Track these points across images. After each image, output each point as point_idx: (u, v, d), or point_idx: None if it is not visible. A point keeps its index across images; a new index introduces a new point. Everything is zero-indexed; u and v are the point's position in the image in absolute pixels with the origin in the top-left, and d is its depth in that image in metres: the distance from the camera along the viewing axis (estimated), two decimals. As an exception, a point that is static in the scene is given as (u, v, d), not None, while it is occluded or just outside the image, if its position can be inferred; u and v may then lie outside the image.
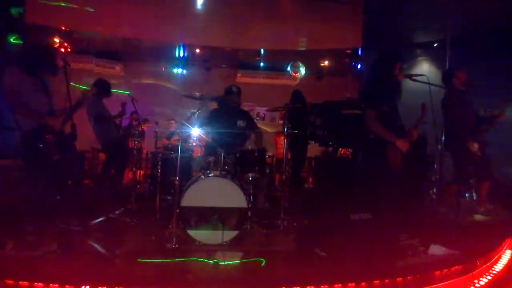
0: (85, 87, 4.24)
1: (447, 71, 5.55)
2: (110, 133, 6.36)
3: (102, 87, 6.18)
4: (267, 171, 5.26)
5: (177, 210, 4.09)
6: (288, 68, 10.13)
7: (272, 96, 8.54)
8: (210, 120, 5.63)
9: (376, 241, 3.76)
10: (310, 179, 7.58)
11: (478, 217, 5.47)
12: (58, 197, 4.03)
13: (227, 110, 5.70)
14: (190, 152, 5.51)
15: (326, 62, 10.71)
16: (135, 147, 5.51)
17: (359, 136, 4.89)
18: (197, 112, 5.04)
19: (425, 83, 4.50)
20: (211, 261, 3.55)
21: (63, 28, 8.46)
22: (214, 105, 6.10)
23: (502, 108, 5.49)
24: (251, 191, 4.86)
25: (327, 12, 8.62)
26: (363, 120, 4.42)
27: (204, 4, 8.66)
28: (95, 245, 3.83)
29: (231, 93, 5.67)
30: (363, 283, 3.21)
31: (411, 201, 4.79)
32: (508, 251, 4.43)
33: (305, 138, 6.58)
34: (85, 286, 2.99)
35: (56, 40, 8.54)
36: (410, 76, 4.59)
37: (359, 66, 9.92)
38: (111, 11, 8.31)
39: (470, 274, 3.70)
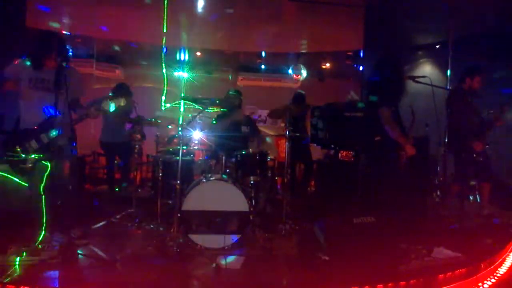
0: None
1: (471, 68, 5.51)
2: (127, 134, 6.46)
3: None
4: (269, 174, 5.24)
5: (178, 214, 4.07)
6: (290, 71, 10.12)
7: (274, 99, 8.54)
8: (213, 124, 5.63)
9: (379, 245, 3.72)
10: (312, 182, 7.55)
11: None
12: (59, 202, 3.99)
13: (230, 115, 5.70)
14: (191, 155, 5.49)
15: (328, 65, 10.70)
16: (136, 150, 5.50)
17: (362, 139, 4.88)
18: (198, 116, 5.02)
19: (428, 84, 4.49)
20: (212, 265, 3.53)
21: (63, 32, 8.46)
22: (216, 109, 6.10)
23: (502, 112, 5.45)
24: (253, 194, 4.83)
25: (328, 15, 8.60)
26: (365, 122, 4.41)
27: (204, 7, 8.65)
28: (96, 250, 3.81)
29: (232, 97, 5.69)
30: (366, 287, 3.18)
31: (414, 204, 4.76)
32: (512, 254, 4.40)
33: (307, 141, 6.56)
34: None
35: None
36: (413, 78, 4.59)
37: (360, 68, 9.89)
38: (111, 15, 8.30)
39: (474, 277, 3.67)
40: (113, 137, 6.38)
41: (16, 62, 3.93)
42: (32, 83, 3.86)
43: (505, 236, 4.59)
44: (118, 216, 5.01)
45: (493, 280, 3.75)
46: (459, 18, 6.70)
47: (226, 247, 4.02)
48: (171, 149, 5.36)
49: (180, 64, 10.15)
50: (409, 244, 4.02)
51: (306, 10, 8.68)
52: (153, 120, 5.94)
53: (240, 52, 10.04)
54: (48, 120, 3.81)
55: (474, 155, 5.24)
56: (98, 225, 4.67)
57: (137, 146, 5.47)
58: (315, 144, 6.29)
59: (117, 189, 6.73)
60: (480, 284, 3.64)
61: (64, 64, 3.83)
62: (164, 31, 8.09)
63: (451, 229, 4.75)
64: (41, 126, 3.80)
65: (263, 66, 10.70)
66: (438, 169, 6.88)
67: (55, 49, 3.86)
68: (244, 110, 6.38)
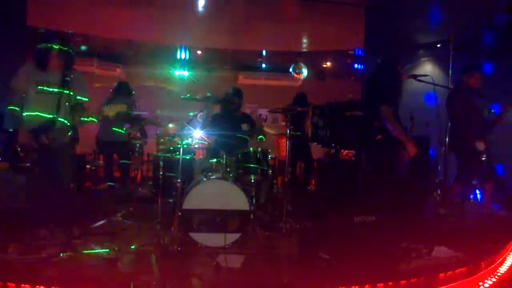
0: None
1: (468, 68, 5.48)
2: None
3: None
4: (270, 173, 5.24)
5: (179, 213, 4.07)
6: (290, 70, 10.10)
7: (274, 98, 8.52)
8: (213, 123, 5.62)
9: (380, 244, 3.72)
10: (313, 181, 7.55)
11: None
12: (59, 201, 3.99)
13: (230, 113, 5.70)
14: (192, 154, 5.48)
15: (328, 64, 10.69)
16: (137, 149, 5.50)
17: (362, 138, 4.87)
18: (198, 114, 5.02)
19: (430, 83, 4.50)
20: (213, 264, 3.53)
21: (64, 30, 8.44)
22: (216, 107, 6.09)
23: (502, 112, 5.45)
24: (253, 193, 4.83)
25: (329, 13, 8.60)
26: (366, 122, 4.41)
27: (205, 6, 8.64)
28: (97, 248, 3.80)
29: (232, 95, 5.69)
30: (367, 286, 3.18)
31: (415, 203, 4.76)
32: (513, 253, 4.40)
33: (307, 141, 6.56)
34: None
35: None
36: (415, 77, 4.60)
37: (361, 67, 9.89)
38: (111, 14, 8.30)
39: (475, 276, 3.67)
40: (111, 136, 6.34)
41: (20, 71, 3.91)
42: (39, 86, 3.86)
43: (506, 235, 4.59)
44: (118, 215, 5.00)
45: (493, 280, 3.75)
46: (460, 17, 6.69)
47: (227, 246, 4.01)
48: (171, 148, 5.35)
49: (181, 63, 10.14)
50: (409, 243, 4.02)
51: (307, 9, 8.67)
52: (149, 118, 5.95)
53: (241, 50, 10.02)
54: (49, 121, 3.81)
55: (477, 154, 5.23)
56: (98, 223, 4.67)
57: (137, 144, 5.46)
58: (315, 143, 6.29)
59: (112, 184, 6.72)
60: (480, 283, 3.63)
61: (67, 65, 3.84)
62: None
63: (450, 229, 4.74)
64: (42, 127, 3.80)
65: (263, 65, 10.70)
66: (439, 168, 6.87)
67: (58, 49, 3.86)
68: (244, 108, 6.37)
